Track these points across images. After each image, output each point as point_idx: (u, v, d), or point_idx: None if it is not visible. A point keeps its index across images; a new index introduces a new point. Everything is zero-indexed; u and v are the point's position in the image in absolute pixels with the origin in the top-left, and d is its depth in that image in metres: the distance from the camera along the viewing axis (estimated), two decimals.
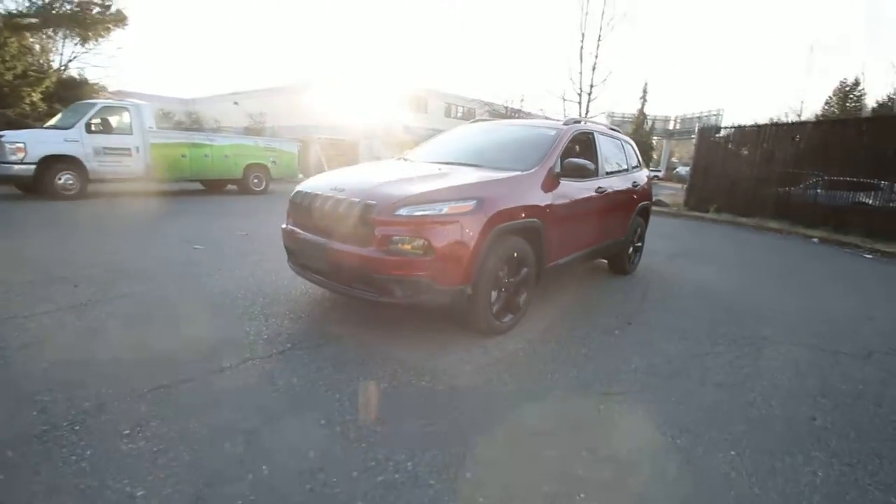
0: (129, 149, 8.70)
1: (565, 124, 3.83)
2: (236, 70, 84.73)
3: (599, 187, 3.88)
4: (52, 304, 2.98)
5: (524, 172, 3.14)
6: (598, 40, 18.39)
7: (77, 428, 1.76)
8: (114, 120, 8.49)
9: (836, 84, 35.24)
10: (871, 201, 10.44)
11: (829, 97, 34.68)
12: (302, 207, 2.97)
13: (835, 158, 10.83)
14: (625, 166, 4.62)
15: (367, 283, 2.61)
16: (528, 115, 27.51)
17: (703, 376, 2.61)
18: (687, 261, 6.07)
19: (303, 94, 25.27)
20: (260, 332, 2.75)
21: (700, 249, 7.17)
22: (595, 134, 4.10)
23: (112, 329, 2.68)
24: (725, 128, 14.22)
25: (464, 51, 79.91)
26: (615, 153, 4.46)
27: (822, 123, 12.44)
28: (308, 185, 3.16)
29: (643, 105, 38.86)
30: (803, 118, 35.59)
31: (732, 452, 1.91)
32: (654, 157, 40.60)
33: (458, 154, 3.70)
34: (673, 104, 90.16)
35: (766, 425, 2.15)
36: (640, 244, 5.08)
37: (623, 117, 41.17)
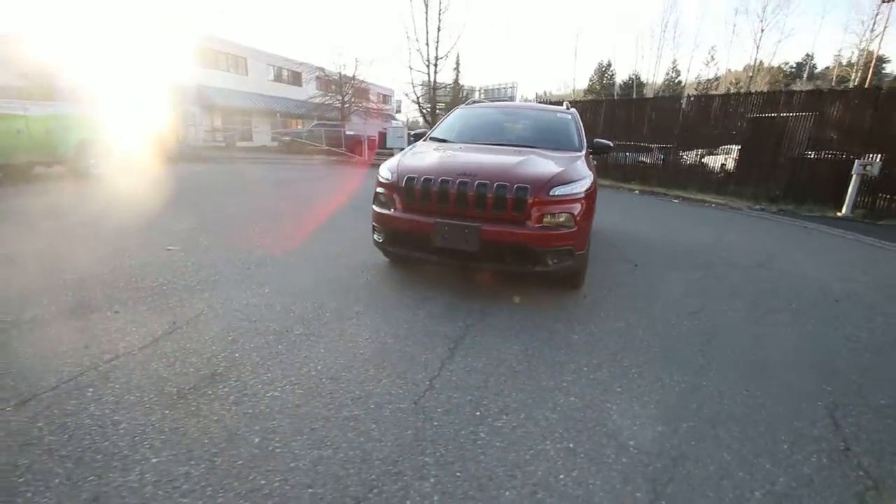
0: None
1: (568, 108, 4.57)
2: None
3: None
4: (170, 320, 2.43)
5: (580, 152, 3.79)
6: (440, 13, 19.27)
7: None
8: None
9: (595, 64, 44.27)
10: (647, 160, 14.40)
11: (592, 75, 43.50)
12: (430, 194, 3.03)
13: (617, 128, 14.39)
14: None
15: (522, 257, 2.96)
16: (363, 83, 27.09)
17: (714, 289, 3.84)
18: None
19: (66, 45, 19.48)
20: (433, 316, 2.84)
21: None
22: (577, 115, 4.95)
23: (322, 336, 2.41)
24: (558, 102, 16.99)
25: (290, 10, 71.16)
26: None
27: (602, 102, 16.10)
28: (412, 170, 3.17)
29: (457, 76, 41.91)
30: (576, 92, 43.44)
31: (779, 321, 3.10)
32: None
33: (502, 136, 4.09)
34: (475, 76, 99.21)
35: (771, 312, 3.43)
36: None
37: (439, 86, 43.70)
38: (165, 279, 3.25)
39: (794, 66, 49.96)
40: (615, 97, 40.73)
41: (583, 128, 4.24)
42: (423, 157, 3.42)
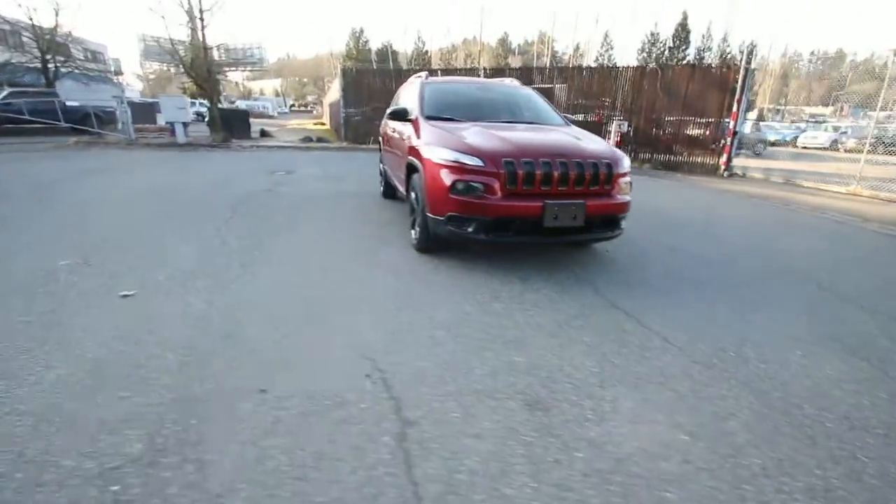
0: None
1: (523, 84, 4.97)
2: None
3: None
4: None
5: (571, 125, 4.30)
6: None
7: None
8: None
9: (349, 30, 44.08)
10: None
11: (349, 40, 43.35)
12: (534, 177, 3.07)
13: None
14: None
15: (607, 225, 3.39)
16: (69, 37, 20.48)
17: (648, 225, 5.10)
18: None
19: None
20: (559, 292, 2.98)
21: None
22: None
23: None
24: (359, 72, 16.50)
25: None
26: None
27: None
28: (499, 153, 3.11)
29: (202, 31, 35.15)
30: (334, 55, 42.57)
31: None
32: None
33: (504, 113, 4.20)
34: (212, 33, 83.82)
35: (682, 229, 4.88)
36: None
37: (165, 42, 35.92)
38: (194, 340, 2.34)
39: (499, 41, 61.25)
40: (374, 65, 41.84)
41: None
42: (488, 139, 3.33)
